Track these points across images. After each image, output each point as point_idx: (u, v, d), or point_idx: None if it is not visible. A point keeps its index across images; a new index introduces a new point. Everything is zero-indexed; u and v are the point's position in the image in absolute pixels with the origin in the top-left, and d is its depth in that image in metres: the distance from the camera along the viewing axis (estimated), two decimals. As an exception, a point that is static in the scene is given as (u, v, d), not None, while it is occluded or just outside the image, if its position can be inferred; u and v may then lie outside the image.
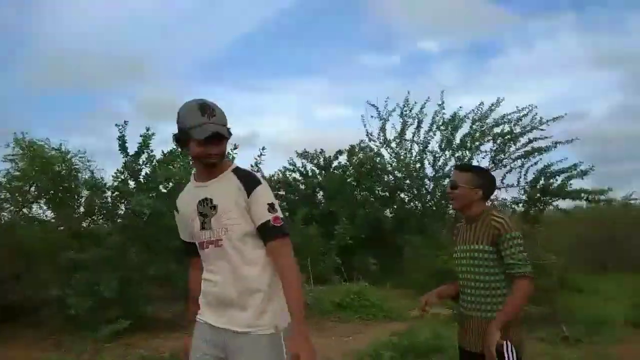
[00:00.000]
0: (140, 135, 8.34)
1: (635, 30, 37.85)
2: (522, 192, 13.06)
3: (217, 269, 2.41)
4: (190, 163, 8.89)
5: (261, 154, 8.90)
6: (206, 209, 2.41)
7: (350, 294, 8.05)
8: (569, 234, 13.84)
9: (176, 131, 2.40)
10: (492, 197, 3.00)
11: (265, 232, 2.36)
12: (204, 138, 2.28)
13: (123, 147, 8.16)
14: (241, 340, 2.35)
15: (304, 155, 13.80)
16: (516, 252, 2.71)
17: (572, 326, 7.04)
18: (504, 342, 2.62)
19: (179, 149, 8.90)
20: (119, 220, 8.04)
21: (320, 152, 13.90)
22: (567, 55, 39.59)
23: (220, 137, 2.33)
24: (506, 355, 2.61)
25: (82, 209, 8.47)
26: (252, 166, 8.93)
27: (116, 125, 8.17)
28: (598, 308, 8.27)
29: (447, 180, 12.99)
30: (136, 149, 8.26)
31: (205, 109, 2.33)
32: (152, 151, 8.57)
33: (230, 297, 2.37)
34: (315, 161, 13.82)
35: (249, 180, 2.40)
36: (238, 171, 2.45)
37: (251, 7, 35.93)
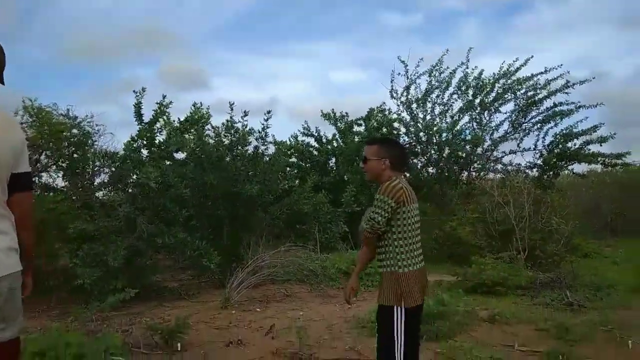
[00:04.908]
0: (156, 103, 8.34)
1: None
2: (538, 156, 12.83)
3: None
4: (206, 131, 8.92)
5: (267, 119, 8.93)
6: None
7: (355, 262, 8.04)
8: (581, 199, 13.66)
9: None
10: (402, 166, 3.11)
11: None
12: None
13: (139, 114, 8.21)
14: None
15: (328, 116, 13.39)
16: (370, 211, 2.90)
17: (577, 292, 7.05)
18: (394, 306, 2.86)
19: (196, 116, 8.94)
20: (129, 190, 7.98)
21: (345, 115, 13.51)
22: (592, 15, 38.33)
23: None
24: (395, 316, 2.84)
25: (95, 179, 8.18)
26: (259, 132, 8.96)
27: (134, 92, 8.18)
28: (604, 273, 8.23)
29: (465, 146, 12.82)
30: (151, 117, 8.27)
31: None
32: (168, 119, 8.54)
33: None
34: (338, 124, 13.45)
35: None
36: None
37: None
